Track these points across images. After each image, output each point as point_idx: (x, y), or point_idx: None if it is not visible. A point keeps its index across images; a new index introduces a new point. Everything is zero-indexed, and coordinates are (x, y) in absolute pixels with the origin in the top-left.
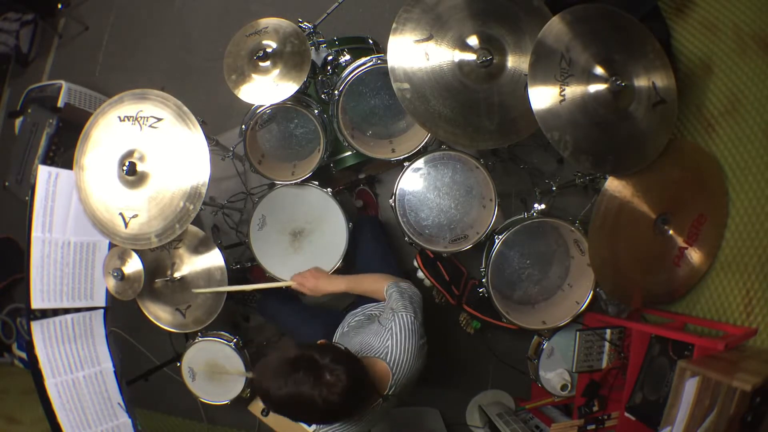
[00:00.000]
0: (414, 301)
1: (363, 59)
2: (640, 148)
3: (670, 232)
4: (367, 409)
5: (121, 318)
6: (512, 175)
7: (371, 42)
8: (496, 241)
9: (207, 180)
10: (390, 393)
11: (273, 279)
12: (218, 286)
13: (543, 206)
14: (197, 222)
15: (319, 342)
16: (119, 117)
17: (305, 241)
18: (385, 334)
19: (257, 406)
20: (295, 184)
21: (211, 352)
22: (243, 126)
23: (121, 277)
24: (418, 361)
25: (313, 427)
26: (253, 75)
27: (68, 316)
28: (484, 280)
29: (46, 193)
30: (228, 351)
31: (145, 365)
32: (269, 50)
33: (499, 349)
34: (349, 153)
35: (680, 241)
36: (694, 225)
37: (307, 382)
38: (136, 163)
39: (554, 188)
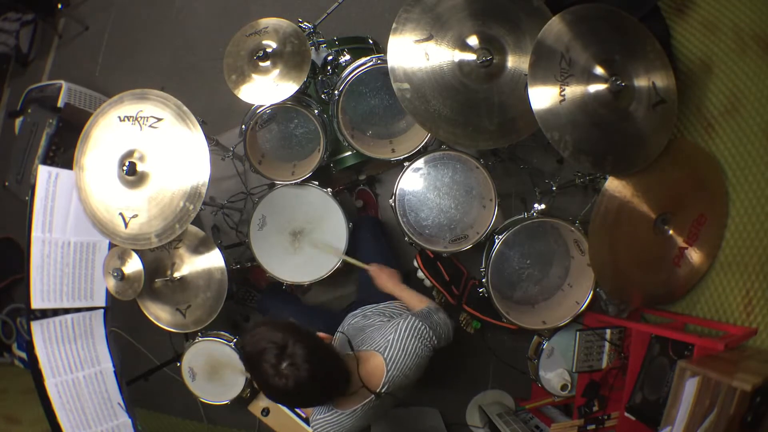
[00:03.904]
0: (434, 323)
1: (363, 59)
2: (640, 148)
3: (670, 232)
4: (358, 403)
5: (121, 318)
6: (512, 175)
7: (371, 42)
8: (496, 241)
9: (207, 180)
10: (383, 391)
11: (273, 279)
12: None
13: (543, 206)
14: (197, 222)
15: (319, 334)
16: (119, 117)
17: (305, 241)
18: (389, 328)
19: (257, 406)
20: (295, 184)
21: (211, 352)
22: (243, 126)
23: (121, 277)
24: (417, 367)
25: (312, 426)
26: (253, 75)
27: (68, 316)
28: (484, 280)
29: (46, 193)
30: (228, 351)
31: (145, 365)
32: (269, 50)
33: (499, 349)
34: (349, 153)
35: (680, 241)
36: (694, 225)
37: (268, 357)
38: (136, 163)
39: (554, 188)
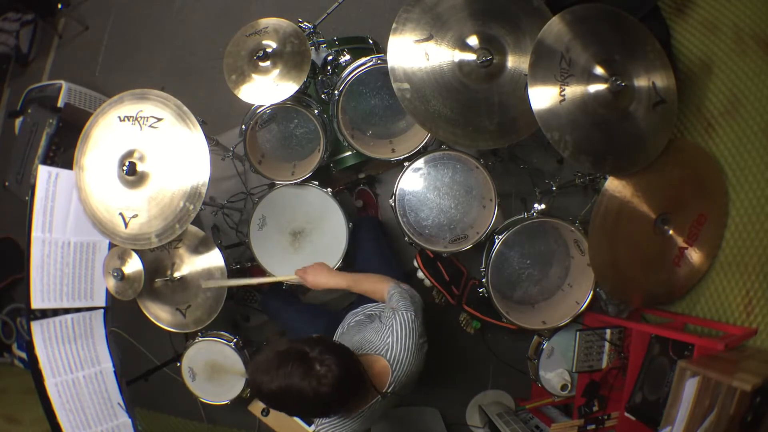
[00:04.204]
0: (415, 302)
1: (363, 59)
2: (640, 148)
3: (670, 232)
4: (365, 405)
5: (121, 318)
6: (512, 175)
7: (371, 42)
8: (496, 241)
9: (207, 180)
10: (389, 391)
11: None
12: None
13: (543, 206)
14: (197, 222)
15: (312, 336)
16: (119, 117)
17: (305, 241)
18: (385, 331)
19: (257, 406)
20: (295, 184)
21: (211, 352)
22: (243, 126)
23: (121, 277)
24: (418, 360)
25: (313, 427)
26: (253, 75)
27: (68, 316)
28: (484, 280)
29: (46, 193)
30: (228, 351)
31: (145, 365)
32: (269, 50)
33: (499, 349)
34: (349, 153)
35: (680, 241)
36: (694, 225)
37: (297, 374)
38: (136, 163)
39: (554, 188)
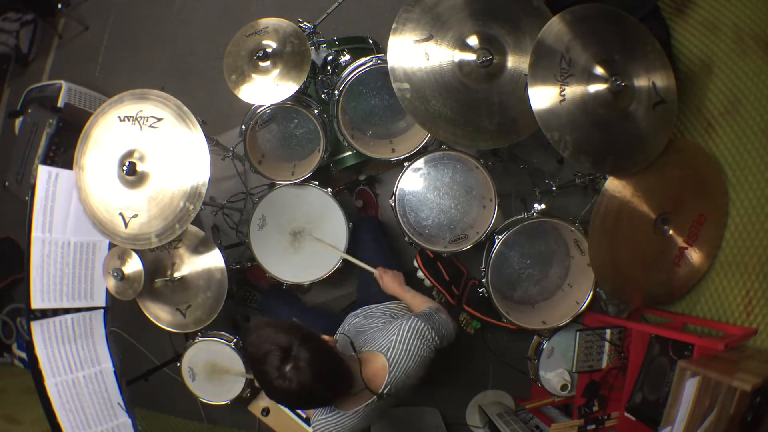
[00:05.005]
0: (436, 324)
1: (363, 59)
2: (640, 148)
3: (670, 232)
4: (360, 405)
5: (121, 318)
6: (512, 175)
7: (371, 42)
8: (496, 241)
9: (207, 180)
10: (385, 392)
11: (273, 279)
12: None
13: (543, 206)
14: (197, 222)
15: (326, 337)
16: (119, 117)
17: (305, 241)
18: (391, 329)
19: (257, 406)
20: (295, 184)
21: (211, 352)
22: (243, 126)
23: (121, 277)
24: (418, 368)
25: (312, 426)
26: (253, 75)
27: (68, 316)
28: (484, 280)
29: (46, 193)
30: (228, 351)
31: (145, 365)
32: (269, 50)
33: (499, 349)
34: (349, 153)
35: (680, 241)
36: (694, 225)
37: (270, 358)
38: (136, 163)
39: (554, 188)
